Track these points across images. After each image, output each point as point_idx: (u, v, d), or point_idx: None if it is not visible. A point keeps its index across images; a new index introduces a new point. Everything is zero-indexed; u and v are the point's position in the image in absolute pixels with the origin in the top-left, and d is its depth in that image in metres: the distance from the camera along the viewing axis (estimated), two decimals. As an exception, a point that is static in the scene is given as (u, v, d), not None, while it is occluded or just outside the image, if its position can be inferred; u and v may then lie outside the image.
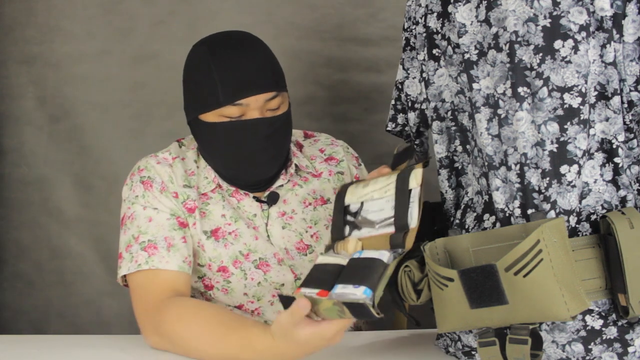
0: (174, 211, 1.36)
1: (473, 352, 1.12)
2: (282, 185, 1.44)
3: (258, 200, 1.42)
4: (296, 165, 1.47)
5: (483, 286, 0.98)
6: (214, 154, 1.39)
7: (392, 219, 1.10)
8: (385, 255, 1.03)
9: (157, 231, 1.33)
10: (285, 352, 1.11)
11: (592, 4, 0.99)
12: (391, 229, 1.09)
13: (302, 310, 1.01)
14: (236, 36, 1.39)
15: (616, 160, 1.02)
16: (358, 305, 0.98)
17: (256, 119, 1.32)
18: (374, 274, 1.00)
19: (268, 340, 1.12)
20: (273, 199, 1.42)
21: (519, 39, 1.01)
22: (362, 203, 1.16)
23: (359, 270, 1.02)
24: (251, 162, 1.36)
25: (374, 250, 1.05)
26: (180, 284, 1.31)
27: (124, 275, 1.34)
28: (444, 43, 1.13)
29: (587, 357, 1.00)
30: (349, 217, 1.17)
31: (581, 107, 1.00)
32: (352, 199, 1.18)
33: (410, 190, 1.10)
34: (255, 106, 1.32)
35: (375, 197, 1.14)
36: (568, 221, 1.01)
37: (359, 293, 0.97)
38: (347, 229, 1.16)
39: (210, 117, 1.34)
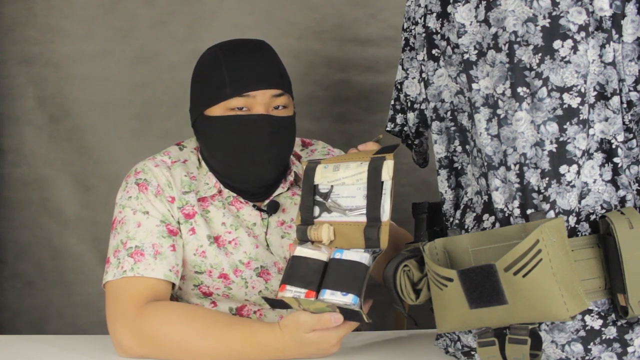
0: (165, 217, 1.34)
1: (472, 352, 1.12)
2: (281, 194, 1.43)
3: (258, 209, 1.41)
4: (295, 174, 1.46)
5: (482, 286, 0.98)
6: (216, 150, 1.37)
7: (364, 210, 1.14)
8: (365, 258, 1.09)
9: (145, 237, 1.31)
10: (287, 348, 1.14)
11: (591, 4, 0.99)
12: (363, 219, 1.14)
13: (332, 324, 1.09)
14: (247, 40, 1.41)
15: (615, 160, 1.02)
16: (351, 311, 1.08)
17: (261, 114, 1.33)
18: (359, 280, 1.07)
19: (273, 333, 1.15)
20: (273, 208, 1.41)
21: (518, 39, 1.01)
22: (332, 186, 1.19)
23: (343, 276, 1.09)
24: (252, 158, 1.35)
25: (354, 252, 1.11)
26: (162, 292, 1.29)
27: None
28: (444, 43, 1.13)
29: (587, 357, 1.00)
30: (318, 198, 1.20)
31: (580, 107, 1.00)
32: (321, 181, 1.20)
33: (383, 182, 1.14)
34: (261, 100, 1.33)
35: (347, 184, 1.17)
36: (567, 221, 1.01)
37: (348, 301, 1.07)
38: (317, 209, 1.20)
39: (216, 110, 1.34)
